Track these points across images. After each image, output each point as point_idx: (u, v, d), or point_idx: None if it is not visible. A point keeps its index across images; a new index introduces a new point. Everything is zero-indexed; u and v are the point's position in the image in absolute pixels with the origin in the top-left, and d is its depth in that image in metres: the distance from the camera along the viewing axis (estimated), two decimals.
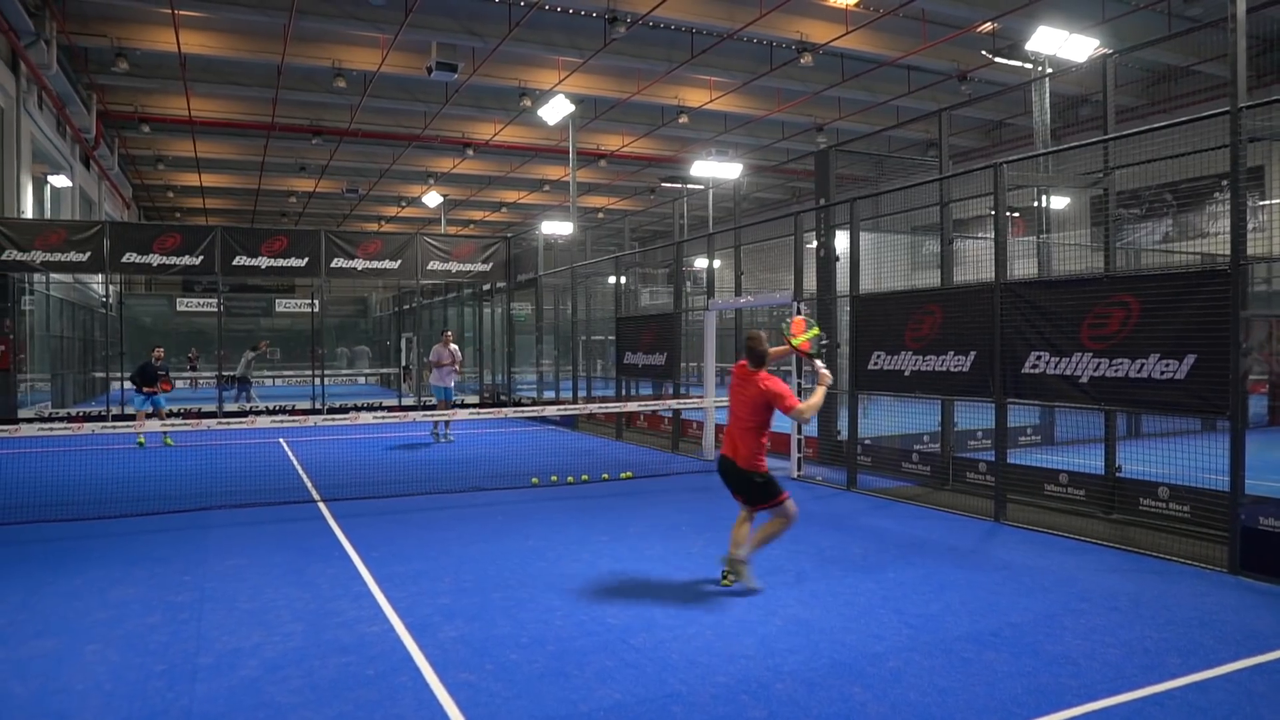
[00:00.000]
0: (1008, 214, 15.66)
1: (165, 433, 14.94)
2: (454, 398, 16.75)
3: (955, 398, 9.68)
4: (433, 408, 15.65)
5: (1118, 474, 8.80)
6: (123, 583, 6.51)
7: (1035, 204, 12.51)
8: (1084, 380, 7.69)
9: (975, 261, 10.12)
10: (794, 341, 6.73)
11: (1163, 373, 7.07)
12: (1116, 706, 4.19)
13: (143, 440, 15.25)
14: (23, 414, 18.63)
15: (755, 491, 6.32)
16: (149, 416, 15.00)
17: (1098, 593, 6.04)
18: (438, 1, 18.58)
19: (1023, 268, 12.50)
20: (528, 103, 22.70)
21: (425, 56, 19.57)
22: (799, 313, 6.54)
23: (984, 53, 18.12)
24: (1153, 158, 9.32)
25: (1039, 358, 8.10)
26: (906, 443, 11.77)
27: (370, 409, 20.07)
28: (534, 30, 19.48)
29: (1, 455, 13.96)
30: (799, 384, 11.39)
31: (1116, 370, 7.42)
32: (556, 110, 20.80)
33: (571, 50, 20.45)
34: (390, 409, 20.78)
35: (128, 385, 16.79)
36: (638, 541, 7.78)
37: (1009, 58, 16.05)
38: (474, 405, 22.45)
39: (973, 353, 8.87)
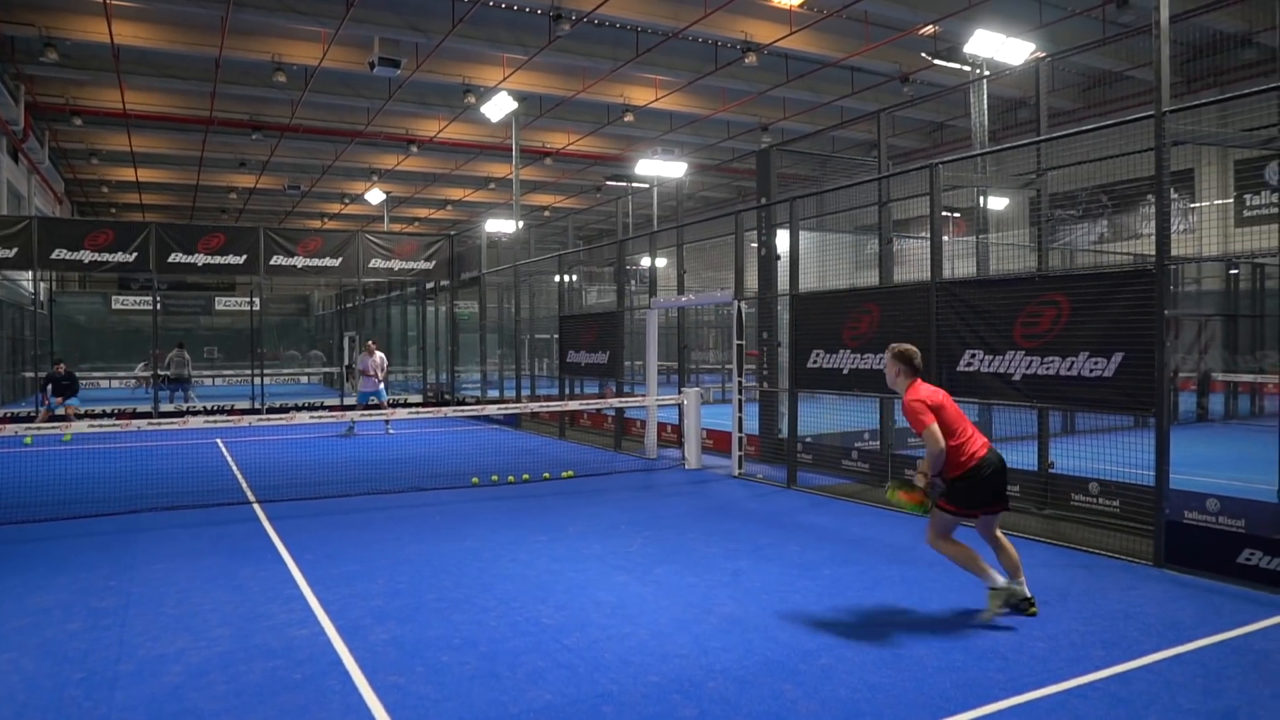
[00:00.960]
0: (949, 214, 15.94)
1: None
2: (385, 397, 17.13)
3: (891, 395, 9.78)
4: (371, 408, 15.77)
5: (1050, 470, 8.98)
6: (43, 589, 6.31)
7: (975, 205, 12.72)
8: (1017, 378, 7.83)
9: (917, 261, 10.25)
10: (921, 510, 5.72)
11: (1092, 370, 7.22)
12: (1042, 699, 4.27)
13: (30, 440, 15.08)
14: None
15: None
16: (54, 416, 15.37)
17: (1028, 587, 6.13)
18: None
19: (964, 268, 12.71)
20: (472, 100, 22.50)
21: (368, 51, 19.29)
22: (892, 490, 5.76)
23: (924, 55, 18.41)
24: (1083, 159, 9.52)
25: (973, 356, 8.23)
26: (847, 440, 11.89)
27: (310, 409, 19.73)
28: (478, 26, 19.31)
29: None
30: (739, 383, 11.48)
31: (1048, 368, 7.56)
32: (499, 107, 20.66)
33: (516, 47, 20.32)
34: (331, 408, 20.44)
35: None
36: (576, 541, 7.75)
37: (948, 60, 16.32)
38: (415, 404, 22.21)
39: None
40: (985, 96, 13.74)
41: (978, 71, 14.41)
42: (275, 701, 4.28)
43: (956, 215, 16.26)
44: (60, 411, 15.92)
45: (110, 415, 18.04)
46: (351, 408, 17.09)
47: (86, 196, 38.95)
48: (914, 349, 5.81)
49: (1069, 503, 8.43)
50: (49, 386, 16.31)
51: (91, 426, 9.52)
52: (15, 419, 18.06)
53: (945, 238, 9.18)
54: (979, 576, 5.50)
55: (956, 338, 8.41)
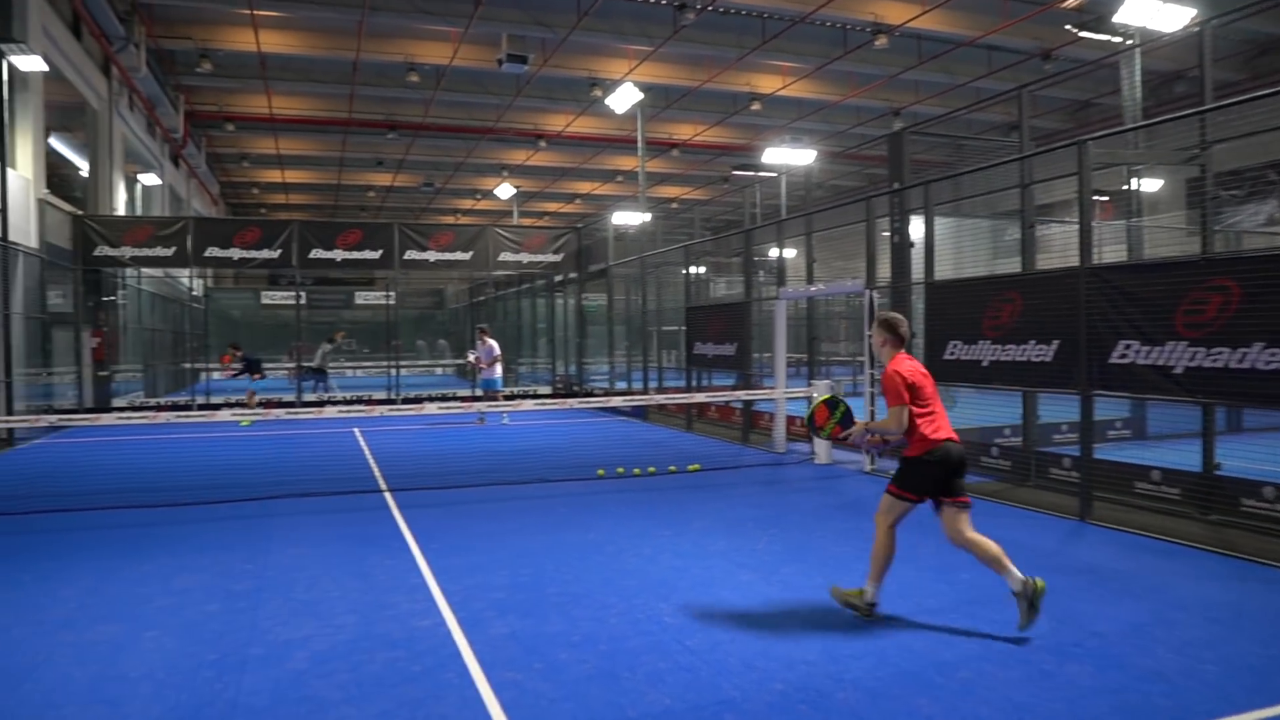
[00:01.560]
0: (1097, 198, 14.96)
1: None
2: (501, 387, 17.92)
3: (1036, 389, 9.19)
4: (485, 397, 16.96)
5: (1216, 472, 8.23)
6: (188, 570, 6.58)
7: (1125, 186, 11.86)
8: (1178, 371, 7.19)
9: (1061, 248, 9.61)
10: (824, 434, 5.84)
11: (1269, 363, 6.55)
12: None
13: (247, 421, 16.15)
14: (116, 404, 19.28)
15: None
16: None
17: (1194, 601, 5.61)
18: None
19: (1112, 255, 11.88)
20: (598, 93, 22.60)
21: (496, 49, 19.63)
22: (818, 394, 5.66)
23: (1068, 28, 17.33)
24: (1253, 131, 8.68)
25: (1128, 347, 7.61)
26: (986, 436, 11.29)
27: (441, 399, 20.22)
28: (603, 19, 19.35)
29: (89, 443, 14.45)
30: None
31: (1215, 360, 6.91)
32: (624, 99, 20.62)
33: (641, 39, 20.26)
34: (462, 399, 20.91)
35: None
36: (701, 537, 7.57)
37: (1095, 32, 15.30)
38: (543, 396, 22.49)
39: (1055, 342, 8.40)
40: (1138, 69, 12.80)
41: (1128, 42, 13.45)
42: (393, 693, 4.27)
43: (1104, 199, 15.26)
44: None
45: (260, 405, 18.95)
46: (478, 398, 17.46)
47: (239, 198, 41.26)
48: (900, 317, 5.56)
49: (1238, 508, 7.70)
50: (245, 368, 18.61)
51: (234, 415, 9.95)
52: (175, 408, 19.20)
53: (1094, 222, 8.54)
54: (879, 572, 5.38)
55: (1109, 327, 7.80)
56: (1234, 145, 9.49)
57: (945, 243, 10.79)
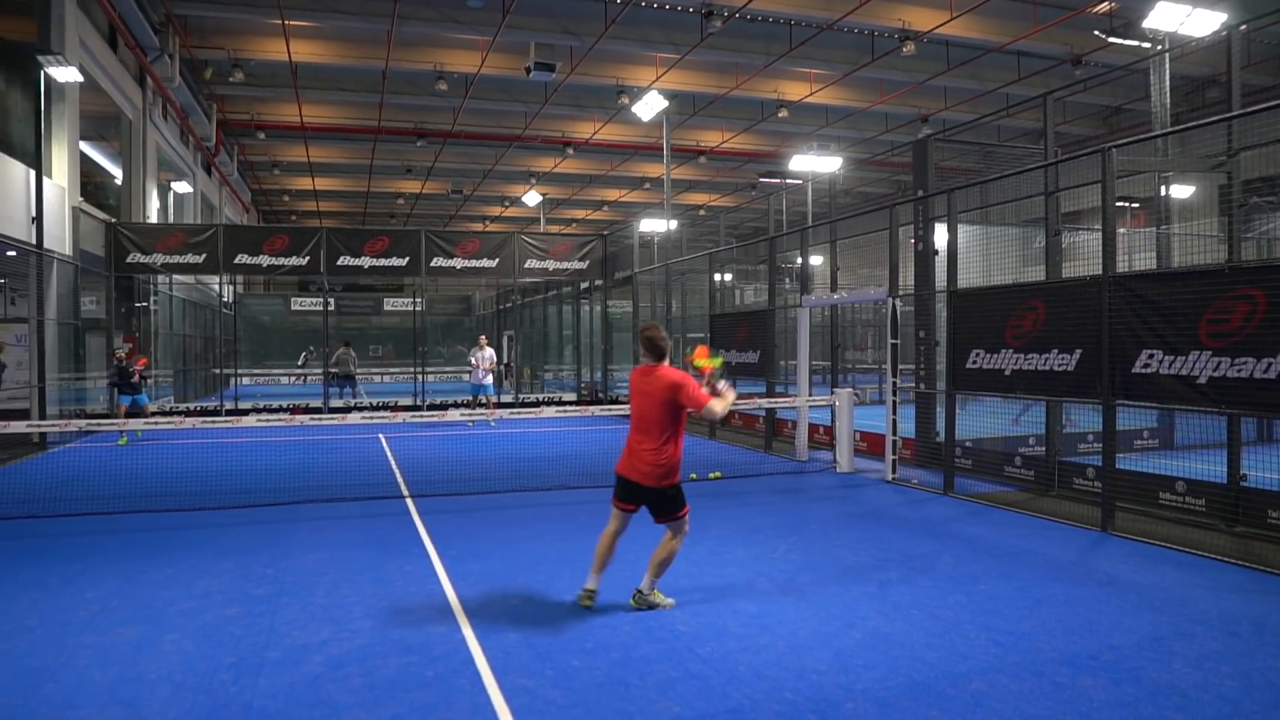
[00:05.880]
0: (1127, 205, 14.80)
1: (122, 431, 15.32)
2: (493, 392, 19.01)
3: (1059, 399, 9.10)
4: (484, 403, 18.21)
5: (1242, 483, 8.11)
6: (210, 573, 6.67)
7: (1156, 194, 11.73)
8: (1202, 381, 7.10)
9: (1090, 256, 9.51)
10: (698, 363, 5.84)
11: None
12: None
13: (126, 440, 15.34)
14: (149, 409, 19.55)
15: (668, 505, 5.70)
16: (131, 413, 14.81)
17: (1215, 615, 5.53)
18: (534, 2, 18.70)
19: (1143, 263, 11.74)
20: (626, 100, 22.66)
21: (524, 57, 19.73)
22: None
23: (1098, 33, 17.16)
24: None
25: (1151, 356, 7.53)
26: (1010, 445, 11.19)
27: (466, 406, 20.34)
28: (630, 27, 19.41)
29: (122, 448, 14.67)
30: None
31: (1239, 370, 6.82)
32: (650, 106, 20.68)
33: (668, 46, 20.30)
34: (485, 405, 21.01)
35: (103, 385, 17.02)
36: (719, 544, 7.57)
37: (1125, 37, 15.15)
38: (568, 402, 22.56)
39: (1078, 351, 8.32)
40: (1167, 75, 12.67)
41: (1158, 48, 13.32)
42: (406, 698, 4.32)
43: (1135, 206, 15.06)
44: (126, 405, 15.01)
45: (285, 410, 19.16)
46: (502, 405, 17.65)
47: (270, 205, 41.78)
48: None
49: (1266, 520, 7.59)
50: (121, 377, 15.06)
51: (260, 421, 10.08)
52: (203, 413, 19.47)
53: (1122, 230, 8.45)
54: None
55: (1132, 336, 7.71)
56: (1269, 151, 9.36)
57: (970, 251, 10.71)
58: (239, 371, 25.26)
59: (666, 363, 5.76)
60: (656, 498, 5.68)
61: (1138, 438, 12.04)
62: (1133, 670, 4.60)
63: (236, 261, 19.86)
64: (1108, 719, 4.02)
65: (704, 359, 5.82)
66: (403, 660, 4.82)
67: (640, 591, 5.74)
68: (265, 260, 19.98)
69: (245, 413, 17.00)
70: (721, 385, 5.74)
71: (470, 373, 18.75)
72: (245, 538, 7.93)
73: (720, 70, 22.68)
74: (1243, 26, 8.99)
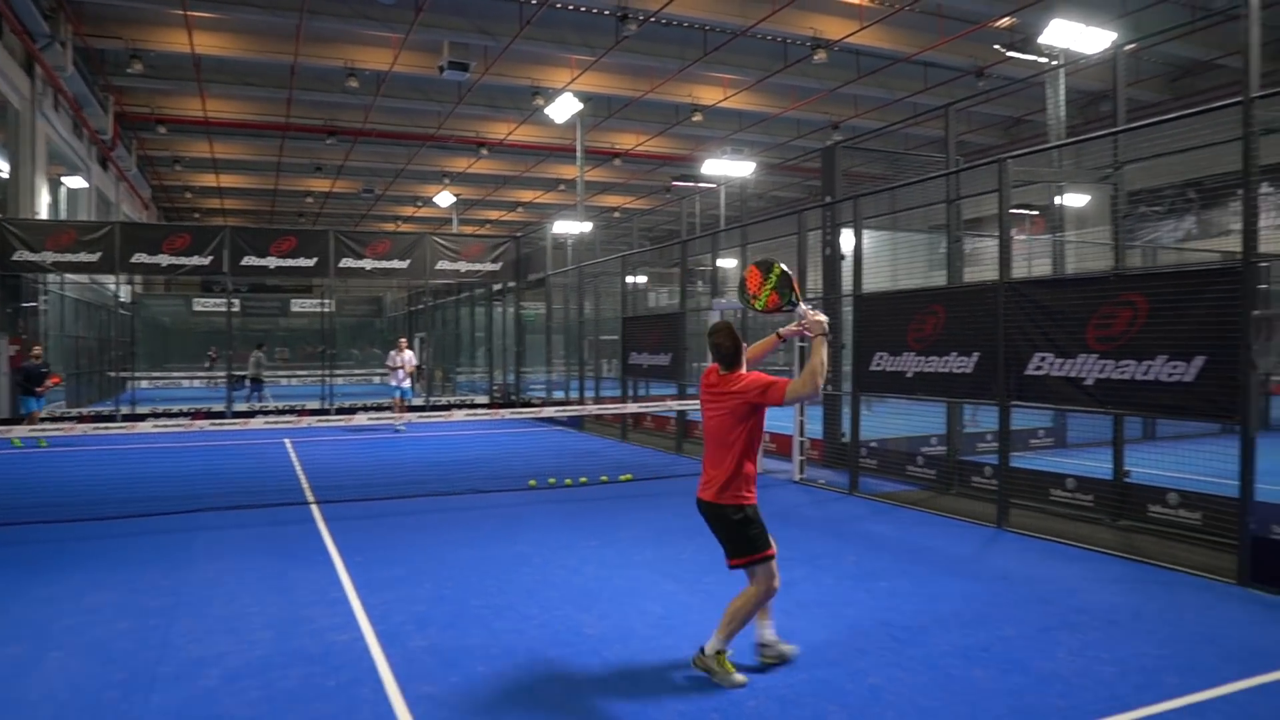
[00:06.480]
0: (1026, 212, 15.32)
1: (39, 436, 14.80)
2: (410, 395, 18.96)
3: (958, 400, 9.42)
4: (438, 408, 16.73)
5: (1126, 479, 8.52)
6: (101, 587, 6.41)
7: (1053, 202, 12.22)
8: (1089, 382, 7.43)
9: (992, 261, 9.85)
10: (758, 304, 4.81)
11: (1170, 375, 6.80)
12: None
13: (18, 442, 14.82)
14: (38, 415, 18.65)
15: (735, 536, 4.60)
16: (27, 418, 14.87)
17: (1098, 605, 5.80)
18: (449, 1, 18.49)
19: (1042, 268, 12.20)
20: (540, 102, 22.57)
21: (437, 56, 19.53)
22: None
23: (998, 47, 17.80)
24: (1164, 152, 9.02)
25: (1043, 359, 7.85)
26: (914, 445, 11.52)
27: (376, 409, 20.00)
28: (546, 29, 19.36)
29: (4, 456, 13.99)
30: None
31: (1122, 372, 7.16)
32: (564, 109, 20.65)
33: (584, 48, 20.31)
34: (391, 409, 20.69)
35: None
36: (628, 547, 7.61)
37: (1024, 52, 15.73)
38: (479, 406, 22.35)
39: (976, 354, 8.62)
40: (1062, 89, 13.22)
41: (1054, 63, 13.88)
42: (305, 709, 4.23)
43: (1034, 214, 15.66)
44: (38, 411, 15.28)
45: (185, 415, 18.54)
46: (412, 409, 17.40)
47: (171, 202, 40.33)
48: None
49: (1146, 514, 7.98)
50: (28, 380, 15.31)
51: (156, 427, 9.72)
52: (99, 418, 18.68)
53: (1021, 236, 8.79)
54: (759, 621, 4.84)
55: (1025, 340, 8.03)
56: (1156, 163, 9.83)
57: (877, 256, 11.00)
58: (137, 375, 24.27)
59: (743, 369, 4.72)
60: (716, 516, 4.61)
61: (1033, 437, 12.52)
62: (1020, 660, 4.79)
63: (134, 260, 19.12)
64: (994, 707, 4.18)
65: (761, 288, 4.77)
66: (304, 671, 4.72)
67: (702, 651, 4.61)
68: (165, 260, 19.28)
69: (142, 418, 16.38)
70: (807, 311, 4.59)
71: (389, 375, 18.45)
72: (140, 549, 7.64)
73: (635, 73, 22.79)
74: (1129, 46, 9.41)
